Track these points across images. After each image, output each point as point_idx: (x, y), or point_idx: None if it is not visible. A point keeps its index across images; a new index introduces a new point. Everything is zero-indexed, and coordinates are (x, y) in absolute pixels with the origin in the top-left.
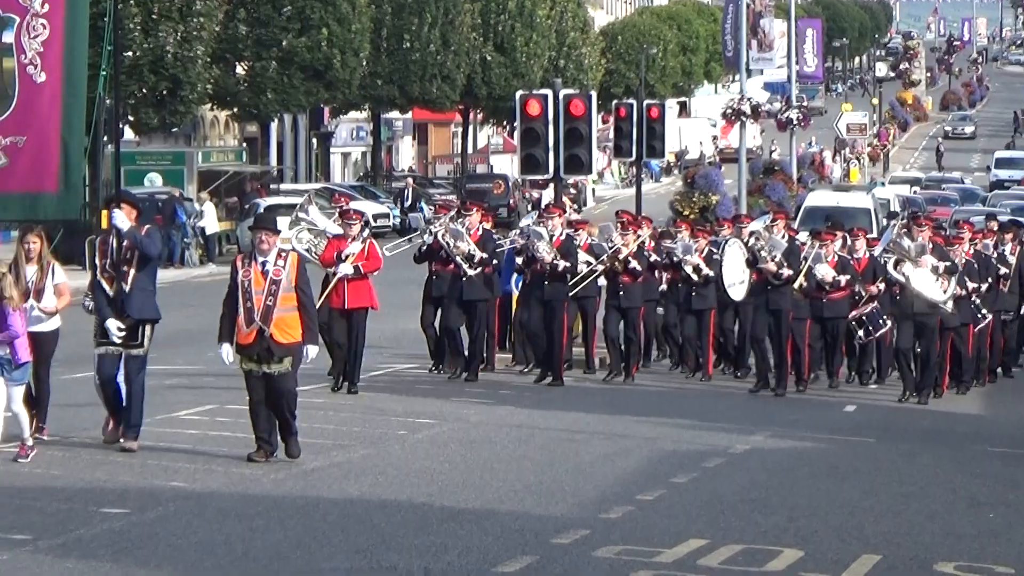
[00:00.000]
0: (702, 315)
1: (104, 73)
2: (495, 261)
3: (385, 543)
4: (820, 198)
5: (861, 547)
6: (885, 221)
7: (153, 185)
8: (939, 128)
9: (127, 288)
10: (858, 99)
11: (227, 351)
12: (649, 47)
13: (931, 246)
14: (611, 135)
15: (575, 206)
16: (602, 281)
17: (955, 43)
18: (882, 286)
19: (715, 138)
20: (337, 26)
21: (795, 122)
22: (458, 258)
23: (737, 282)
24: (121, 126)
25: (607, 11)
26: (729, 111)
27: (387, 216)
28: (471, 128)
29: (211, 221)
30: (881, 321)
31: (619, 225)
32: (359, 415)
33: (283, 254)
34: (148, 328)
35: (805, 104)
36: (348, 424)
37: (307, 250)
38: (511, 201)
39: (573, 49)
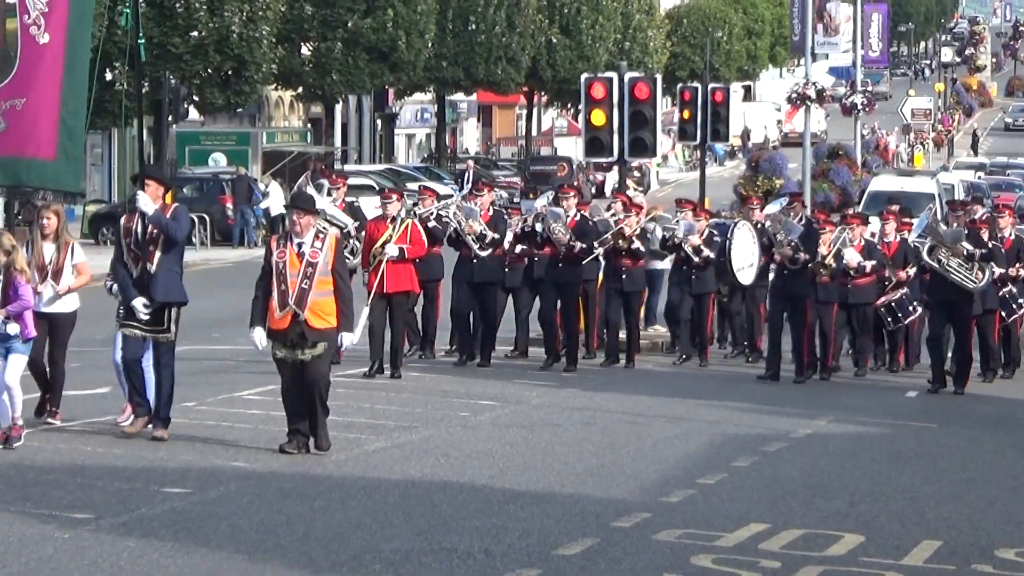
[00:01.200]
0: (701, 299)
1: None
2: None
3: (446, 524)
4: (884, 183)
5: (922, 532)
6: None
7: (217, 165)
8: (999, 118)
9: (152, 269)
10: (920, 84)
11: (259, 335)
12: (714, 30)
13: (966, 232)
14: (676, 118)
15: (640, 188)
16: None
17: (1021, 28)
18: (912, 271)
19: (779, 122)
20: (403, 7)
21: (860, 107)
22: (469, 238)
23: (747, 265)
24: (186, 105)
25: None
26: (794, 95)
27: (450, 197)
28: (535, 110)
29: (276, 202)
30: (911, 308)
31: (679, 212)
32: (421, 396)
33: (320, 235)
34: (174, 311)
35: (870, 89)
36: (410, 405)
37: None
38: (575, 183)
39: (638, 32)
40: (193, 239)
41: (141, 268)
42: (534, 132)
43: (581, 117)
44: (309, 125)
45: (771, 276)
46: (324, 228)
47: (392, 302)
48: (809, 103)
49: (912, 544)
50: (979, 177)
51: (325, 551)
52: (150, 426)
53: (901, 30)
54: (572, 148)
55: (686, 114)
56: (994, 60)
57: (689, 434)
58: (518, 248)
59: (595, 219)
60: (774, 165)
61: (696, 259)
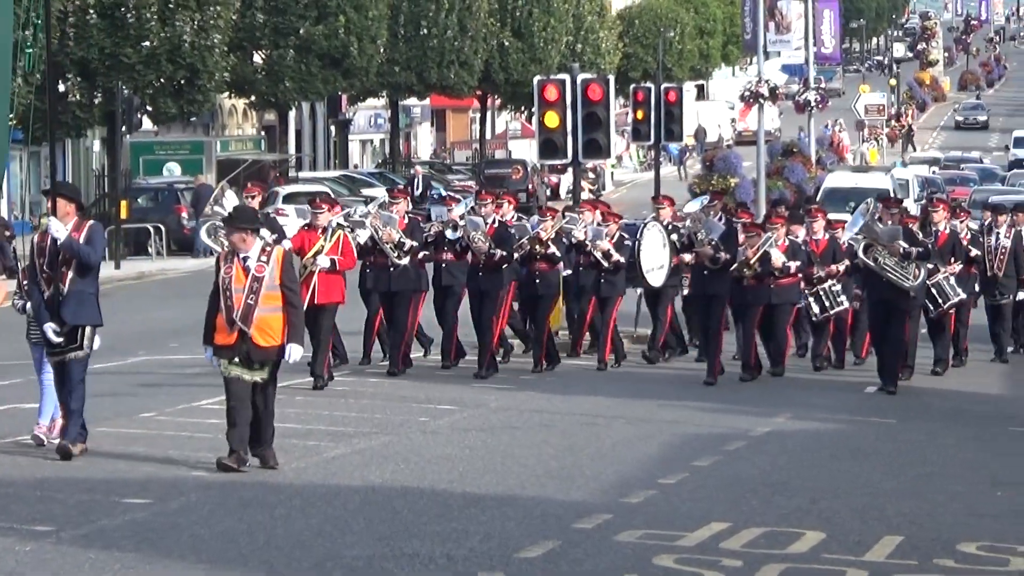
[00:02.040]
0: (606, 302)
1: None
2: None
3: (407, 530)
4: (839, 179)
5: (883, 528)
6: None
7: (172, 175)
8: (949, 116)
9: (65, 290)
10: (875, 79)
11: (212, 352)
12: (666, 30)
13: (902, 230)
14: (629, 119)
15: (594, 189)
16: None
17: (972, 23)
18: (841, 267)
19: (733, 121)
20: (354, 13)
21: (813, 104)
22: (387, 247)
23: (656, 267)
24: (139, 115)
25: None
26: (747, 94)
27: None
28: (489, 114)
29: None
30: (840, 300)
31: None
32: (380, 402)
33: (267, 249)
34: (88, 329)
35: (823, 86)
36: (369, 411)
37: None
38: (530, 186)
39: (590, 33)
40: (149, 249)
41: (53, 289)
42: (488, 135)
43: (535, 119)
44: (263, 133)
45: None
46: (270, 243)
47: (321, 313)
48: (762, 101)
49: (873, 540)
50: (933, 172)
51: (287, 559)
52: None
53: (853, 26)
54: (527, 151)
55: (639, 114)
56: (946, 55)
57: (649, 435)
58: (420, 255)
59: (569, 228)
60: (728, 164)
61: (606, 264)
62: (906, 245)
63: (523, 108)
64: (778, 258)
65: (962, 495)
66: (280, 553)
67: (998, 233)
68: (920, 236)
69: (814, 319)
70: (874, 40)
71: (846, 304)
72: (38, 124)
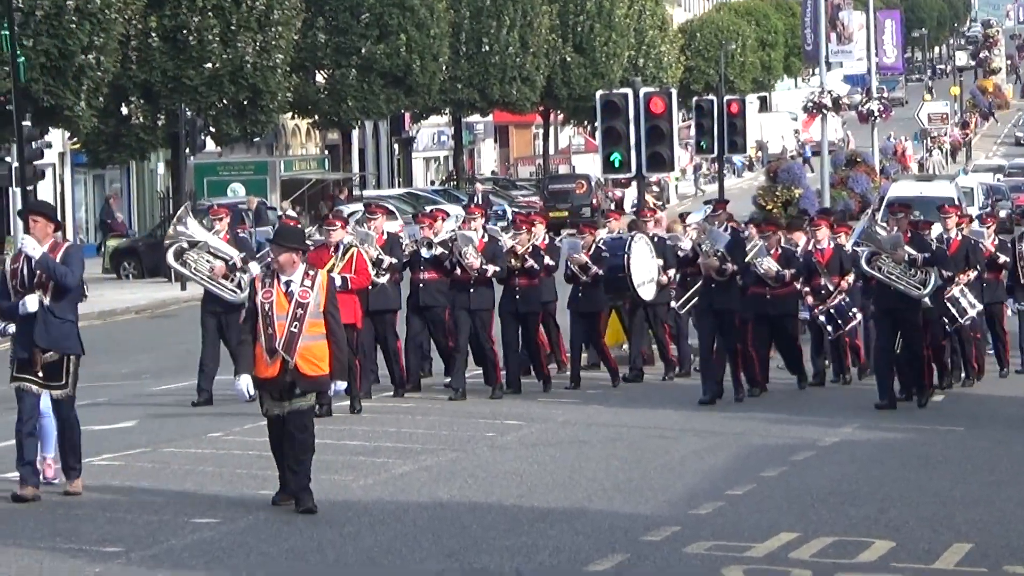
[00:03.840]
0: (591, 318)
1: None
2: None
3: (476, 545)
4: (903, 188)
5: (952, 536)
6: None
7: (236, 195)
8: (1008, 130)
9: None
10: (937, 87)
11: (246, 383)
12: (728, 43)
13: (908, 235)
14: (692, 132)
15: (659, 203)
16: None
17: None
18: (851, 279)
19: (797, 132)
20: (416, 31)
21: (876, 113)
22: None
23: (647, 280)
24: (203, 137)
25: (685, 8)
26: (810, 104)
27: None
28: (552, 129)
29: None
30: (851, 314)
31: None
32: (447, 418)
33: (310, 273)
34: (72, 363)
35: (886, 95)
36: (436, 427)
37: (208, 277)
38: (594, 200)
39: (652, 47)
40: None
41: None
42: (551, 151)
43: (598, 134)
44: (327, 152)
45: (673, 291)
46: (313, 266)
47: None
48: (825, 112)
49: (943, 548)
50: (998, 179)
51: None
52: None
53: (915, 36)
54: (590, 165)
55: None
56: (1008, 62)
57: (716, 447)
58: (385, 278)
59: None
60: (792, 175)
61: (584, 277)
62: (912, 251)
63: (586, 123)
64: (770, 267)
65: None
66: (349, 571)
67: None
68: (932, 242)
69: (829, 338)
70: (936, 49)
71: (859, 317)
72: (102, 147)
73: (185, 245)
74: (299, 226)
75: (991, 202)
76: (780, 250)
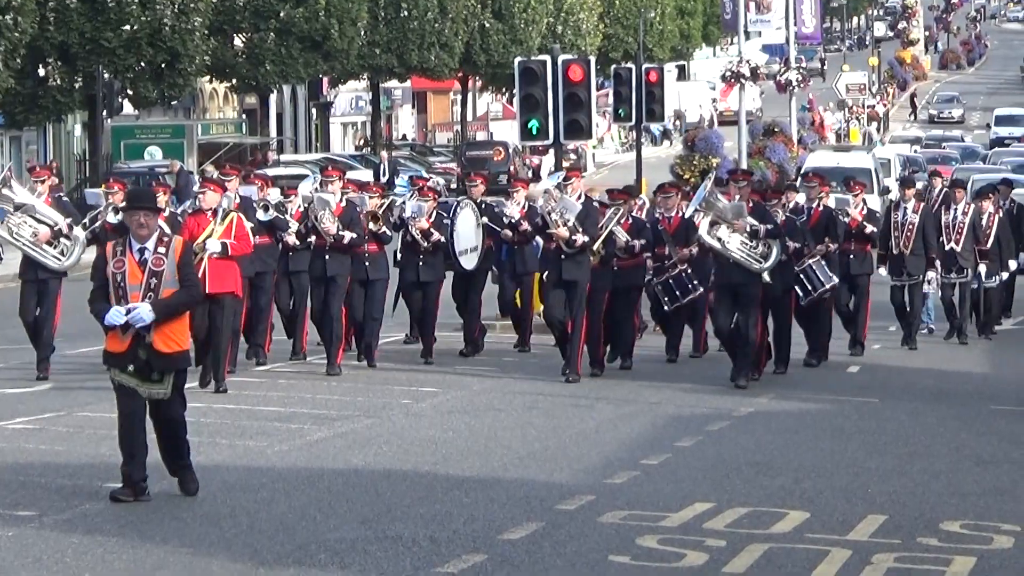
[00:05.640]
0: (428, 287)
1: None
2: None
3: (390, 513)
4: (821, 159)
5: (867, 507)
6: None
7: (153, 159)
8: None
9: None
10: (855, 58)
11: (116, 309)
12: (647, 11)
13: (751, 204)
14: (610, 100)
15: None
16: None
17: (953, 1)
18: (695, 250)
19: (714, 101)
20: None
21: (794, 83)
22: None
23: (469, 248)
24: (120, 99)
25: None
26: (728, 74)
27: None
28: (470, 96)
29: None
30: (690, 286)
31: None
32: (362, 385)
33: (164, 239)
34: None
35: (804, 65)
36: (351, 394)
37: (31, 243)
38: (511, 168)
39: (571, 15)
40: None
41: None
42: (469, 117)
43: (516, 100)
44: (244, 116)
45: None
46: (168, 231)
47: (216, 304)
48: (743, 81)
49: (857, 519)
50: (915, 151)
51: (270, 542)
52: None
53: (833, 5)
54: (508, 132)
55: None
56: (927, 33)
57: (631, 416)
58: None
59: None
60: (710, 144)
61: (425, 243)
62: (753, 222)
63: (504, 90)
64: (620, 236)
65: (945, 474)
66: (263, 536)
67: (905, 208)
68: (778, 212)
69: (666, 308)
70: (855, 19)
71: (700, 290)
72: (19, 108)
73: (9, 209)
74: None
75: (908, 173)
76: (631, 220)
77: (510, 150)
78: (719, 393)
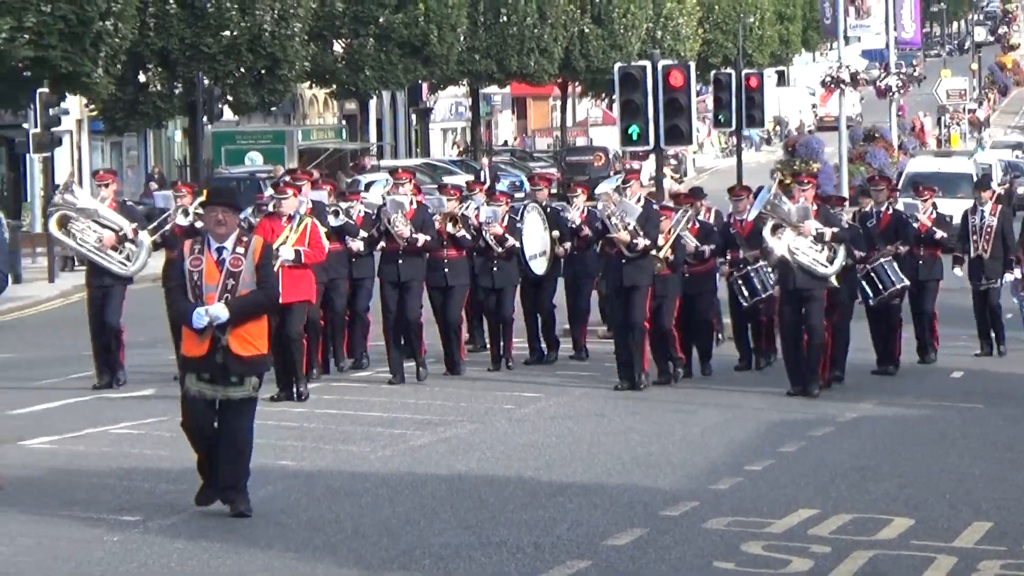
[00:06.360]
0: (502, 293)
1: None
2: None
3: (494, 518)
4: (921, 164)
5: (972, 514)
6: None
7: (254, 164)
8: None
9: None
10: (955, 63)
11: (201, 309)
12: (746, 16)
13: (815, 208)
14: (710, 105)
15: (677, 176)
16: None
17: None
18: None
19: (814, 106)
20: (434, 1)
21: (894, 89)
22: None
23: (538, 253)
24: (220, 105)
25: None
26: (828, 79)
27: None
28: (570, 101)
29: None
30: (768, 284)
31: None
32: (466, 390)
33: (243, 239)
34: None
35: (904, 70)
36: (454, 399)
37: (96, 248)
38: (611, 173)
39: (670, 20)
40: None
41: None
42: (569, 123)
43: (616, 106)
44: (344, 122)
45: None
46: (248, 231)
47: (287, 313)
48: (843, 86)
49: (962, 526)
50: (1017, 156)
51: (374, 548)
52: None
53: (934, 11)
54: (608, 138)
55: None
56: None
57: (735, 421)
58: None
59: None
60: (810, 149)
61: (499, 249)
62: (819, 225)
63: (604, 95)
64: (689, 241)
65: None
66: (368, 542)
67: (983, 212)
68: (845, 217)
69: (744, 304)
70: (955, 24)
71: (775, 290)
72: (119, 114)
73: (71, 213)
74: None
75: (1009, 178)
76: (698, 224)
77: (610, 155)
78: (823, 399)
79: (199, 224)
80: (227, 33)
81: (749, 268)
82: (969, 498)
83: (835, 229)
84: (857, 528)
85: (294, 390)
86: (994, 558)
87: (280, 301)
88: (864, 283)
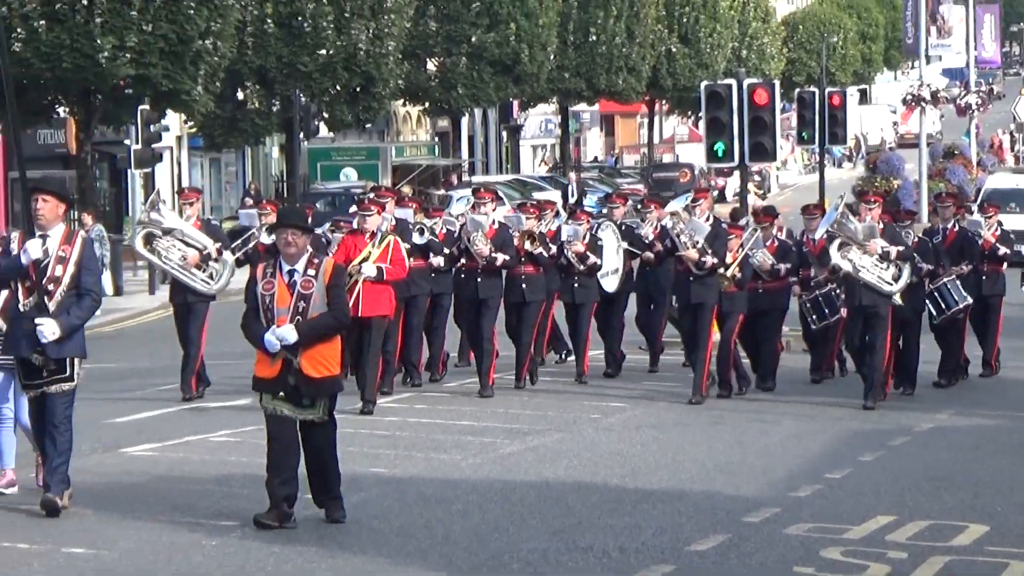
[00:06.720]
0: (582, 309)
1: None
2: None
3: (581, 524)
4: (1000, 181)
5: None
6: None
7: (348, 180)
8: None
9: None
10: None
11: (273, 334)
12: (829, 36)
13: (882, 226)
14: (794, 123)
15: (760, 192)
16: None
17: None
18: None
19: (895, 124)
20: (525, 21)
21: (974, 107)
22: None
23: (611, 271)
24: (316, 122)
25: (788, 1)
26: (909, 97)
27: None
28: (657, 118)
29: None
30: (838, 305)
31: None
32: (553, 400)
33: (314, 261)
34: (76, 360)
35: (983, 89)
36: (542, 408)
37: (180, 266)
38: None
39: (755, 39)
40: (329, 252)
41: (37, 299)
42: (656, 140)
43: (702, 123)
44: (436, 138)
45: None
46: (320, 252)
47: (367, 327)
48: (924, 104)
49: None
50: None
51: (464, 553)
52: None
53: (1013, 30)
54: (694, 154)
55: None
56: None
57: (814, 431)
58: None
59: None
60: (891, 166)
61: (581, 267)
62: (885, 243)
63: (690, 113)
64: (765, 260)
65: None
66: (458, 547)
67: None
68: (907, 234)
69: (812, 327)
70: None
71: (843, 312)
72: (218, 131)
73: (157, 232)
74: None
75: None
76: (777, 242)
77: (696, 172)
78: (900, 409)
79: None
80: (323, 52)
81: (818, 292)
82: None
83: (901, 248)
84: (933, 535)
85: (364, 403)
86: None
87: (360, 315)
88: (928, 302)
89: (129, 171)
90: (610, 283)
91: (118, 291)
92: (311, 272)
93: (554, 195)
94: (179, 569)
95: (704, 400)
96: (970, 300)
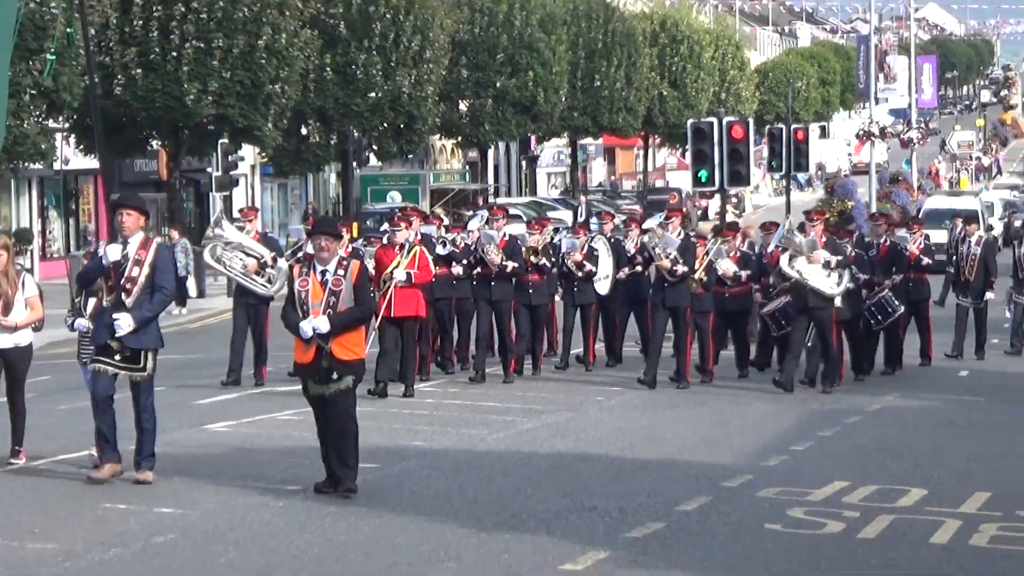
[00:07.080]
0: (584, 309)
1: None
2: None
3: (587, 489)
4: (937, 202)
5: (975, 486)
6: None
7: (394, 201)
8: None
9: (129, 303)
10: (964, 120)
11: (308, 324)
12: (795, 81)
13: (823, 240)
14: (764, 154)
15: (737, 212)
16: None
17: None
18: (898, 278)
19: (849, 155)
20: (541, 69)
21: (915, 141)
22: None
23: (603, 277)
24: (367, 153)
25: (760, 52)
26: (861, 133)
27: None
28: (651, 150)
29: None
30: (891, 308)
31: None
32: (564, 385)
33: (343, 262)
34: (151, 354)
35: (923, 125)
36: (555, 392)
37: (242, 273)
38: (684, 208)
39: (733, 84)
40: None
41: (115, 298)
42: (650, 168)
43: (688, 155)
44: (467, 167)
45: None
46: (347, 256)
47: (402, 326)
48: (874, 139)
49: (967, 495)
50: (1015, 195)
51: (490, 512)
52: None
53: (948, 76)
54: (681, 180)
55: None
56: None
57: (783, 411)
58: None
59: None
60: (846, 190)
61: (579, 274)
62: (827, 254)
63: (678, 146)
64: (728, 268)
65: None
66: (485, 508)
67: (970, 242)
68: (846, 247)
69: (774, 334)
70: (965, 88)
71: (901, 309)
72: (285, 161)
73: (223, 245)
74: (439, 223)
75: (1008, 214)
76: (739, 253)
77: (683, 195)
78: (854, 393)
79: None
80: (373, 95)
81: (880, 295)
82: (972, 473)
83: (839, 257)
84: (881, 497)
85: (405, 388)
86: (992, 521)
87: (393, 315)
88: (868, 313)
89: (211, 194)
90: (602, 287)
91: (201, 294)
92: (340, 272)
93: (566, 215)
94: (251, 526)
95: (689, 385)
96: (902, 309)
